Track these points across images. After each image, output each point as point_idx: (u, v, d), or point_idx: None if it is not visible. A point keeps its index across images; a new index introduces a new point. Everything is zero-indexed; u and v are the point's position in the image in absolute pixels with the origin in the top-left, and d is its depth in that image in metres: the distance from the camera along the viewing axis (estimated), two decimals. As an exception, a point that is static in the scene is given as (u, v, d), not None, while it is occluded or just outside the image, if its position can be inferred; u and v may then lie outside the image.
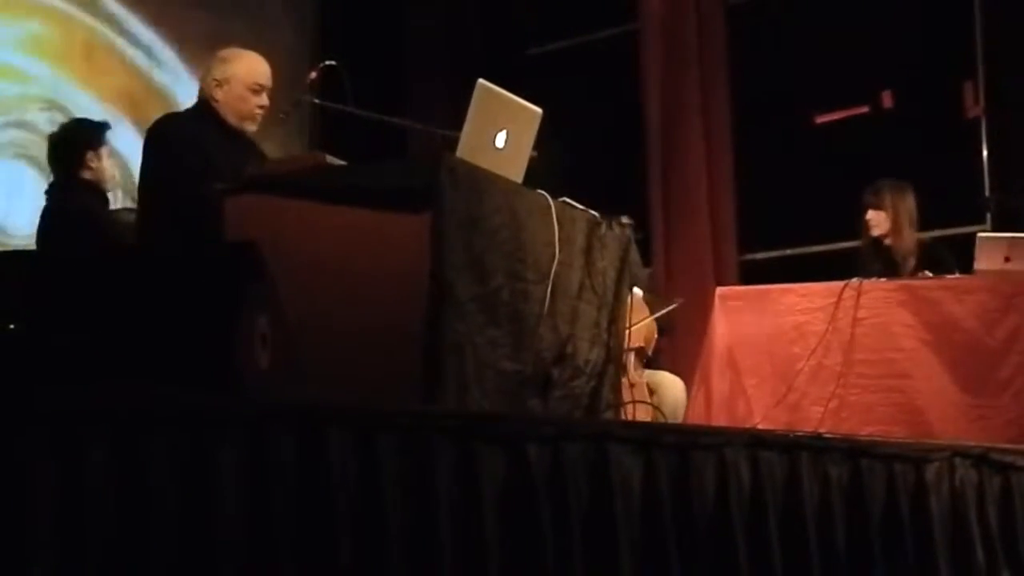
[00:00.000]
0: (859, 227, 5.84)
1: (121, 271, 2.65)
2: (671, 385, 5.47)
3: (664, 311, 5.67)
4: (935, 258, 5.57)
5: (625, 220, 4.11)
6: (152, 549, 1.91)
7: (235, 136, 4.30)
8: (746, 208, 7.66)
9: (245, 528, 2.04)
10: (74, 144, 5.19)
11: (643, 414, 4.74)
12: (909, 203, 5.74)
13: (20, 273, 2.67)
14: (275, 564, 2.07)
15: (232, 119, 4.27)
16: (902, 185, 5.78)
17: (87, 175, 5.14)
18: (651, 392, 5.30)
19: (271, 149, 4.58)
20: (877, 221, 5.76)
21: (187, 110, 4.44)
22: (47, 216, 5.19)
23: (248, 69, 4.30)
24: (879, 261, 5.69)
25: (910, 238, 5.73)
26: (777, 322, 5.23)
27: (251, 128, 4.32)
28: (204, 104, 4.31)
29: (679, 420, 5.29)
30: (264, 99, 4.30)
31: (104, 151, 5.18)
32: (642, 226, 4.88)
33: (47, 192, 5.35)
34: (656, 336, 5.54)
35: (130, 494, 1.90)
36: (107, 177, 5.16)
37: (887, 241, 5.75)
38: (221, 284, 2.54)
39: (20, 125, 6.73)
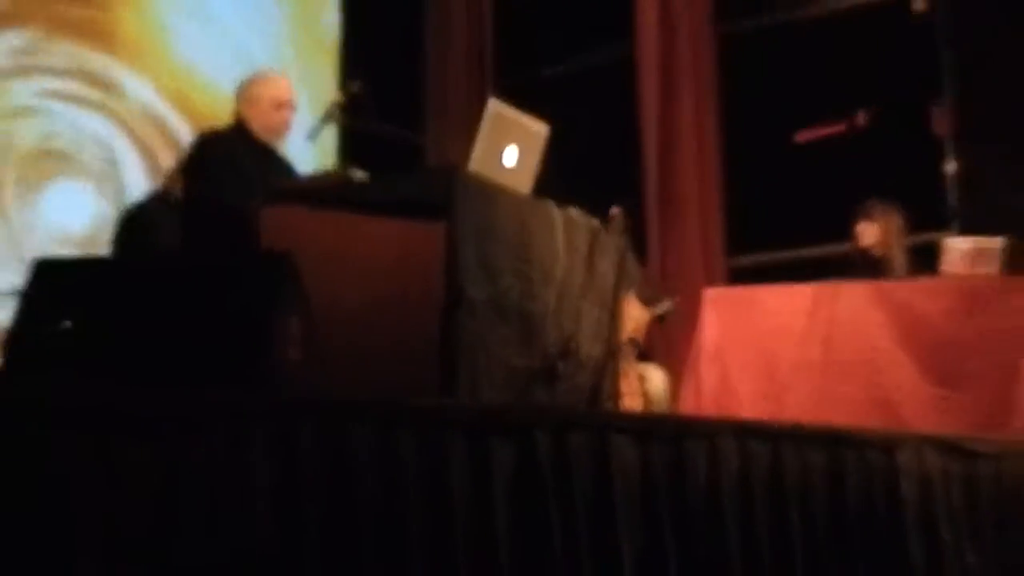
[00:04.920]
0: (850, 238, 5.81)
1: (170, 276, 2.65)
2: (654, 376, 5.49)
3: (661, 310, 5.67)
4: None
5: (615, 210, 4.07)
6: (184, 540, 1.88)
7: (268, 152, 4.33)
8: (734, 217, 7.65)
9: (274, 517, 2.01)
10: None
11: (634, 400, 4.74)
12: (897, 219, 5.73)
13: (80, 278, 2.67)
14: (300, 549, 2.05)
15: (261, 134, 4.32)
16: (889, 205, 5.76)
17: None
18: (641, 380, 5.31)
19: (301, 164, 4.59)
20: (866, 232, 5.73)
21: (223, 128, 4.45)
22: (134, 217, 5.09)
23: (270, 87, 4.38)
24: (867, 268, 5.66)
25: (901, 254, 5.70)
26: (762, 321, 5.22)
27: (277, 141, 4.37)
28: (238, 123, 4.35)
29: (662, 407, 5.31)
30: (286, 114, 4.35)
31: None
32: (637, 226, 4.84)
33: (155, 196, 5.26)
34: (647, 322, 5.55)
35: (164, 489, 1.88)
36: None
37: (875, 252, 5.72)
38: (259, 289, 2.54)
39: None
